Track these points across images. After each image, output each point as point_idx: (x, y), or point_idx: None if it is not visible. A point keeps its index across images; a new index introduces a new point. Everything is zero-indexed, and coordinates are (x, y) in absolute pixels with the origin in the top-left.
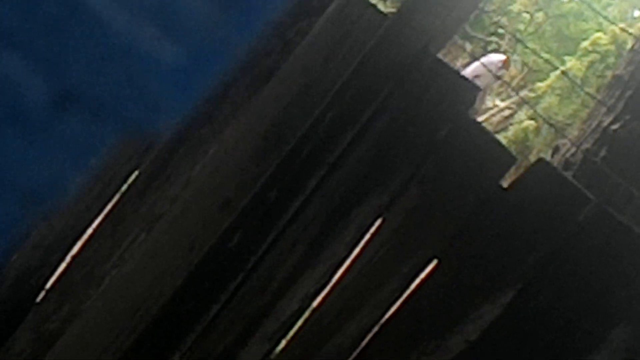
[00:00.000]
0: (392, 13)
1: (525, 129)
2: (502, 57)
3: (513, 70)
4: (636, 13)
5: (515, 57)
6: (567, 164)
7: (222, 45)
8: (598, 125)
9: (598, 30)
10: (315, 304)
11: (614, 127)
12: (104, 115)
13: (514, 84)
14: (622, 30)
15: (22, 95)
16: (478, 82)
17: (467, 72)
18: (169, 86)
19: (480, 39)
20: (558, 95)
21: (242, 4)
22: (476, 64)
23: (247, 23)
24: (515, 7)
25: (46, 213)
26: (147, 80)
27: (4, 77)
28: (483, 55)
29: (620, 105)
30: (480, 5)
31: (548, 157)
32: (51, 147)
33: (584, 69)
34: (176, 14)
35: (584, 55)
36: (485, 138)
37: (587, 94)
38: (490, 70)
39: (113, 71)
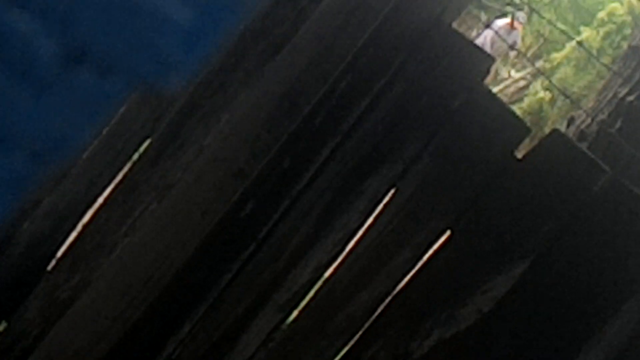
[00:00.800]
0: None
1: (540, 100)
2: (506, 20)
3: (528, 39)
4: None
5: (519, 14)
6: (582, 135)
7: (231, 3)
8: (613, 96)
9: (614, 1)
10: (327, 274)
11: (630, 98)
12: (114, 72)
13: (529, 54)
14: (639, 0)
15: (33, 50)
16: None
17: (479, 41)
18: (178, 43)
19: (496, 9)
20: (573, 66)
21: None
22: (486, 32)
23: None
24: None
25: (55, 168)
26: (157, 37)
27: (15, 33)
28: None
29: (636, 77)
30: None
31: (563, 128)
32: (61, 103)
33: (599, 39)
34: None
35: (599, 26)
36: (499, 108)
37: (603, 64)
38: (499, 35)
39: (123, 28)
